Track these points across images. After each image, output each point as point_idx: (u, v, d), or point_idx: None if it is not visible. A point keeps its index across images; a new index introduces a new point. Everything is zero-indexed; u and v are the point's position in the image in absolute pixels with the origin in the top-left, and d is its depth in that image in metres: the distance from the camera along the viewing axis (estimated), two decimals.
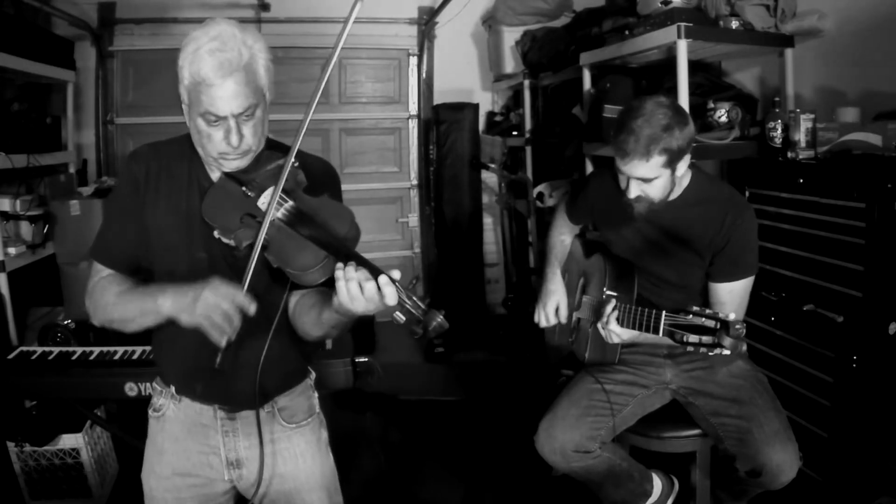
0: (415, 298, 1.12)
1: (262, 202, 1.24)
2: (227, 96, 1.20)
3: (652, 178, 1.74)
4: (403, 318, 1.12)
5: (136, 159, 1.37)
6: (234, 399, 1.38)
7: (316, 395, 1.56)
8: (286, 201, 1.23)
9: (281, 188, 1.21)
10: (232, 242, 1.24)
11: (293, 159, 1.26)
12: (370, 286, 1.10)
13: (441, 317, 1.11)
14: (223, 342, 1.17)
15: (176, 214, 1.33)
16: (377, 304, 1.12)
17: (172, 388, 1.44)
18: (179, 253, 1.33)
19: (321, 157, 1.48)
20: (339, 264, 1.13)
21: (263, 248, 1.21)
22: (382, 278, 1.10)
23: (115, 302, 1.31)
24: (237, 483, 1.45)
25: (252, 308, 1.18)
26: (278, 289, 1.30)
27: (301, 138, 1.25)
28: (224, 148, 1.24)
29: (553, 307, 2.11)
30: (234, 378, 1.34)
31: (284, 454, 1.45)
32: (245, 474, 1.43)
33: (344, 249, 1.16)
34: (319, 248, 1.17)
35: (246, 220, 1.23)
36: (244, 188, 1.26)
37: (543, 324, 2.14)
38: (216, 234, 1.25)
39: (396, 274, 1.12)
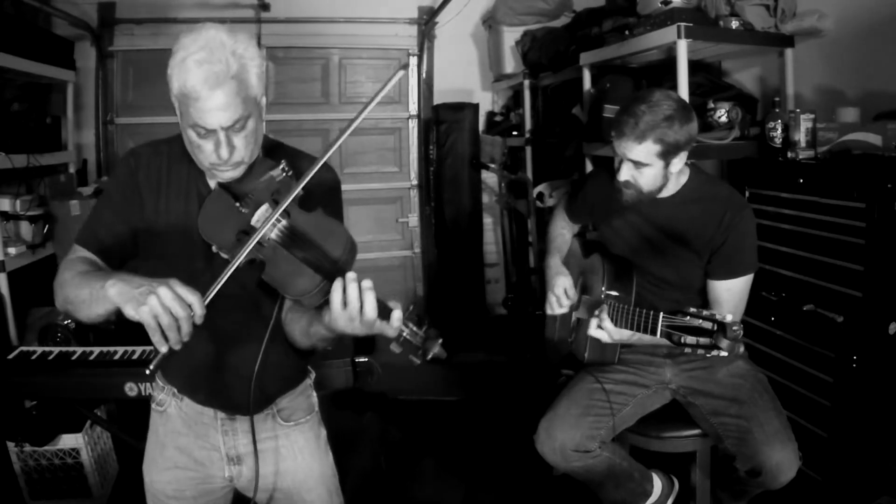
0: (413, 327, 1.11)
1: (256, 220, 1.20)
2: (215, 109, 1.15)
3: (643, 163, 1.76)
4: (400, 350, 1.11)
5: (136, 159, 1.33)
6: (235, 405, 1.38)
7: (315, 394, 1.56)
8: (280, 220, 1.18)
9: (278, 213, 1.16)
10: (230, 258, 1.19)
11: (288, 170, 1.23)
12: (370, 308, 1.07)
13: (439, 346, 1.10)
14: (163, 348, 1.06)
15: (174, 221, 1.31)
16: (372, 329, 1.09)
17: (174, 388, 1.44)
18: (178, 261, 1.30)
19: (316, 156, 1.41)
20: (338, 282, 1.09)
21: (261, 267, 1.18)
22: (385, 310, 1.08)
23: (72, 279, 1.22)
24: (237, 480, 1.45)
25: (201, 320, 1.08)
26: (271, 295, 1.28)
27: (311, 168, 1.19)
28: (214, 160, 1.21)
29: (561, 289, 2.04)
30: (235, 386, 1.34)
31: (283, 451, 1.45)
32: (245, 471, 1.44)
33: (339, 274, 1.13)
34: (315, 272, 1.14)
35: (242, 238, 1.19)
36: (238, 204, 1.22)
37: (557, 310, 2.05)
38: (214, 249, 1.23)
39: (395, 305, 1.10)
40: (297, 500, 1.47)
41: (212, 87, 1.14)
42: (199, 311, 1.07)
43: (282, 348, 1.37)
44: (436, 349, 1.10)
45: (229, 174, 1.25)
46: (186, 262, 1.30)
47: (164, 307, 1.04)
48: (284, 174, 1.23)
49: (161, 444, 1.45)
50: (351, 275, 1.10)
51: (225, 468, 1.43)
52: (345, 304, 1.09)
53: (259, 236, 1.15)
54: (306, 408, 1.51)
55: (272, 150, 1.35)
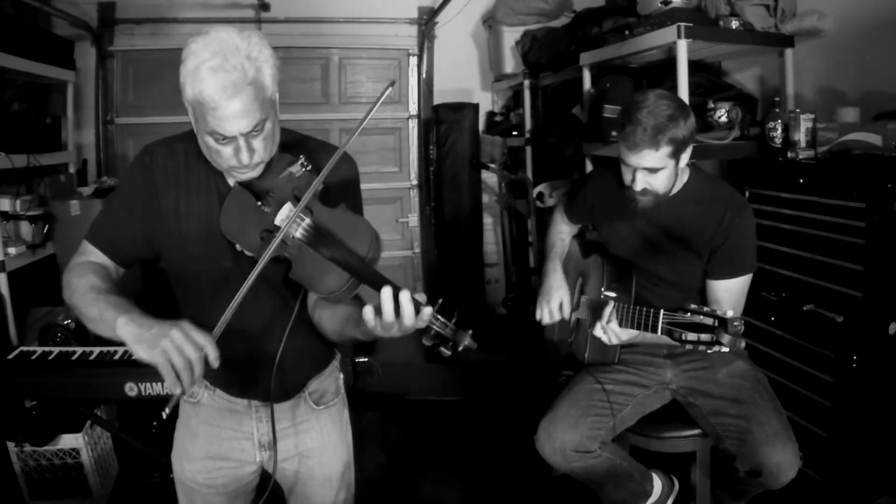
0: (442, 319, 1.11)
1: (280, 219, 1.20)
2: (233, 117, 1.12)
3: (659, 168, 1.76)
4: (431, 342, 1.11)
5: (152, 158, 1.31)
6: (268, 393, 1.38)
7: (342, 375, 1.58)
8: (304, 219, 1.18)
9: (299, 210, 1.16)
10: (256, 257, 1.20)
11: (307, 165, 1.22)
12: (409, 310, 1.08)
13: (469, 337, 1.10)
14: (177, 390, 1.07)
15: (197, 222, 1.30)
16: (410, 328, 1.09)
17: (206, 381, 1.45)
18: (204, 261, 1.31)
19: (336, 146, 1.34)
20: (386, 289, 1.08)
21: (287, 264, 1.19)
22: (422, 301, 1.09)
23: (84, 293, 1.22)
24: (267, 464, 1.47)
25: (216, 362, 1.09)
26: (297, 290, 1.30)
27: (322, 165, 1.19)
28: (234, 164, 1.19)
29: (556, 303, 2.09)
30: (266, 376, 1.34)
31: (312, 433, 1.48)
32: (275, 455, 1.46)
33: (368, 272, 1.13)
34: (343, 270, 1.14)
35: (266, 237, 1.19)
36: (259, 203, 1.22)
37: (546, 320, 2.11)
38: (238, 247, 1.23)
39: (422, 297, 1.10)
40: (319, 478, 1.50)
41: (230, 96, 1.11)
42: (211, 353, 1.08)
43: (308, 333, 1.38)
44: (466, 341, 1.10)
45: (249, 175, 1.24)
46: (214, 262, 1.31)
47: (177, 349, 1.06)
48: (304, 170, 1.23)
49: (193, 435, 1.47)
50: (387, 291, 1.09)
51: (256, 453, 1.46)
52: (382, 313, 1.09)
53: (282, 236, 1.15)
54: (334, 390, 1.54)
55: (289, 143, 1.33)
